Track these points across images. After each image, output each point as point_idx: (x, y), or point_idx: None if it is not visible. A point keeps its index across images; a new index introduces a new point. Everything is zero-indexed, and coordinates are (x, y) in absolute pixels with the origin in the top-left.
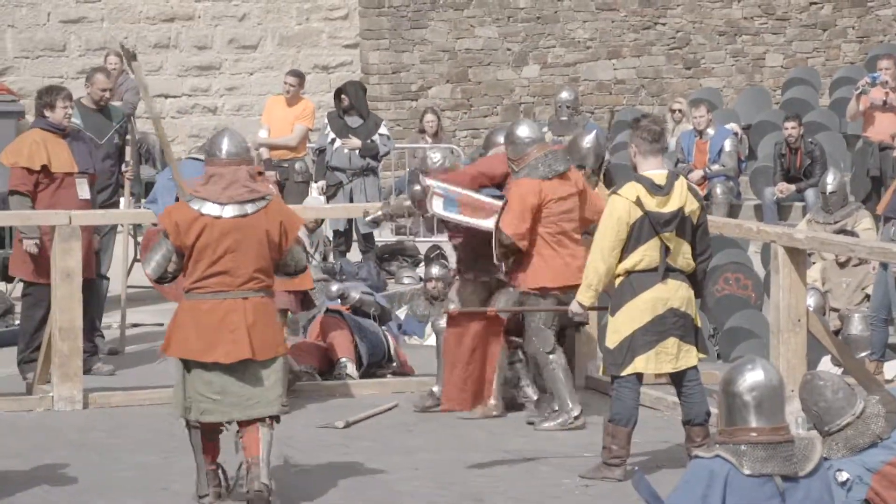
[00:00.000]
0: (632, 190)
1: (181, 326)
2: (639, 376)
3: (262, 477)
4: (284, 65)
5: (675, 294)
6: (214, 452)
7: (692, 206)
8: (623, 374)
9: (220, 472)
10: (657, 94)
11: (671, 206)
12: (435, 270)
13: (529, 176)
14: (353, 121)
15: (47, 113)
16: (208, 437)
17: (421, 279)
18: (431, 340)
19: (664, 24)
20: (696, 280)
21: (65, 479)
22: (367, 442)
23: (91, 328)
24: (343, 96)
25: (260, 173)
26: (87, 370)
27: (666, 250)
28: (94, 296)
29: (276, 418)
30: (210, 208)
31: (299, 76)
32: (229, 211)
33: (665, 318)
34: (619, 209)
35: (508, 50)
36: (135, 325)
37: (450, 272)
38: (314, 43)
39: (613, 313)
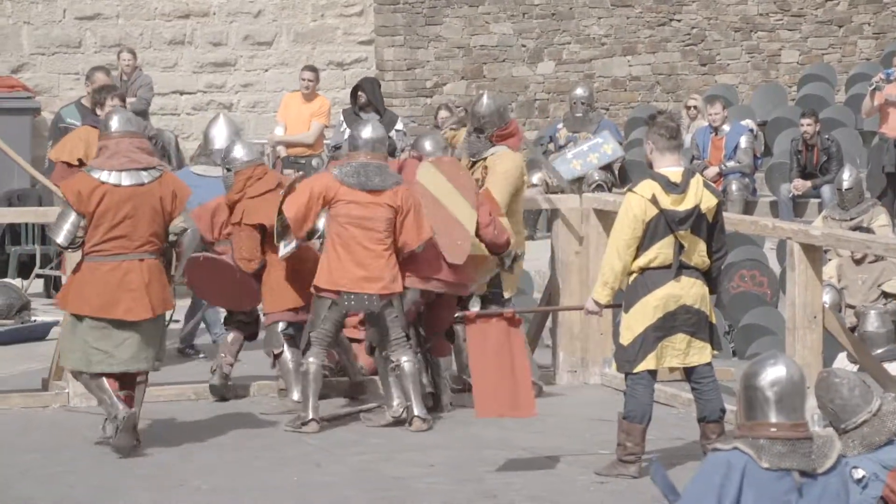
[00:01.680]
0: (647, 188)
1: (80, 285)
2: (652, 373)
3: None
4: (299, 61)
5: (688, 291)
6: (130, 401)
7: (708, 203)
8: (636, 370)
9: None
10: (672, 91)
11: (687, 205)
12: None
13: (333, 174)
14: (370, 117)
15: (98, 111)
16: (122, 385)
17: None
18: None
19: (679, 21)
20: (711, 277)
21: (81, 475)
22: (381, 439)
23: None
24: (360, 93)
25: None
26: None
27: (680, 248)
28: None
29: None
30: (108, 177)
31: (316, 71)
32: (126, 179)
33: (676, 314)
34: (634, 207)
35: (523, 46)
36: None
37: None
38: (329, 39)
39: (627, 310)
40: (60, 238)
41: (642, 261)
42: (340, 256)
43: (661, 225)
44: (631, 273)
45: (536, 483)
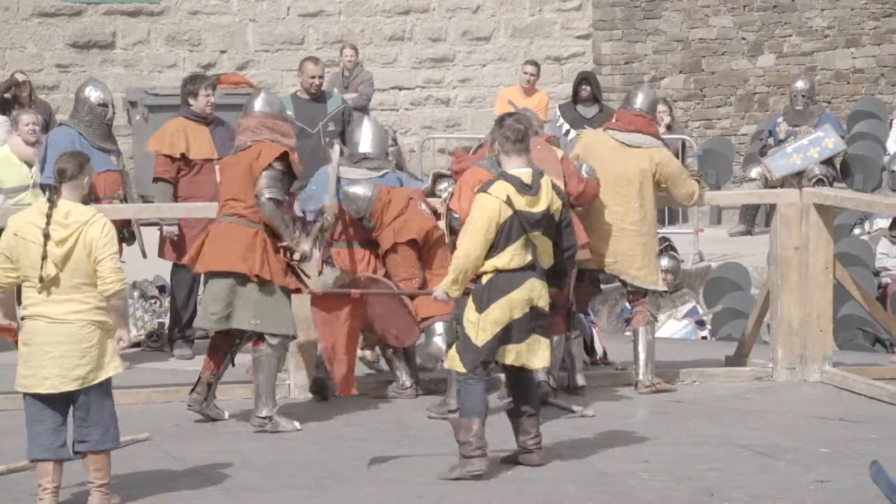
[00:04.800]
0: (502, 189)
1: None
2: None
3: (258, 410)
4: (517, 56)
5: (540, 293)
6: (210, 367)
7: (557, 205)
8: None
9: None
10: None
11: (540, 207)
12: (665, 262)
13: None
14: (589, 111)
15: (191, 101)
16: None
17: None
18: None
19: None
20: (559, 274)
21: (302, 464)
22: (596, 434)
23: None
24: (585, 86)
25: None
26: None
27: (533, 249)
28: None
29: (284, 338)
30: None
31: (538, 66)
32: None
33: (531, 316)
34: (489, 208)
35: (743, 39)
36: None
37: (679, 263)
38: (547, 34)
39: (480, 311)
40: None
41: (498, 262)
42: None
43: (516, 226)
44: (483, 274)
45: (755, 481)
